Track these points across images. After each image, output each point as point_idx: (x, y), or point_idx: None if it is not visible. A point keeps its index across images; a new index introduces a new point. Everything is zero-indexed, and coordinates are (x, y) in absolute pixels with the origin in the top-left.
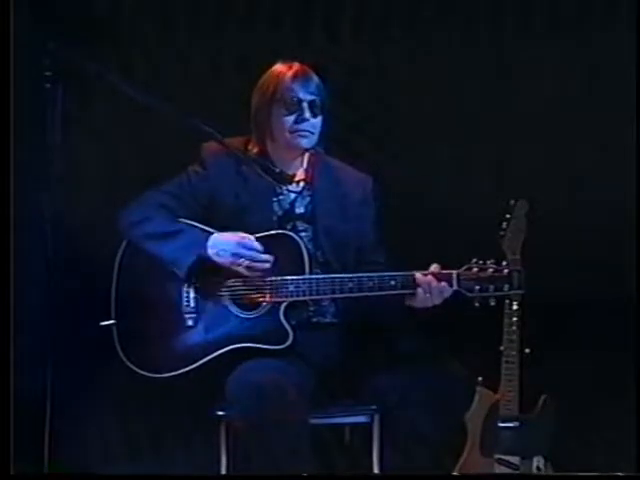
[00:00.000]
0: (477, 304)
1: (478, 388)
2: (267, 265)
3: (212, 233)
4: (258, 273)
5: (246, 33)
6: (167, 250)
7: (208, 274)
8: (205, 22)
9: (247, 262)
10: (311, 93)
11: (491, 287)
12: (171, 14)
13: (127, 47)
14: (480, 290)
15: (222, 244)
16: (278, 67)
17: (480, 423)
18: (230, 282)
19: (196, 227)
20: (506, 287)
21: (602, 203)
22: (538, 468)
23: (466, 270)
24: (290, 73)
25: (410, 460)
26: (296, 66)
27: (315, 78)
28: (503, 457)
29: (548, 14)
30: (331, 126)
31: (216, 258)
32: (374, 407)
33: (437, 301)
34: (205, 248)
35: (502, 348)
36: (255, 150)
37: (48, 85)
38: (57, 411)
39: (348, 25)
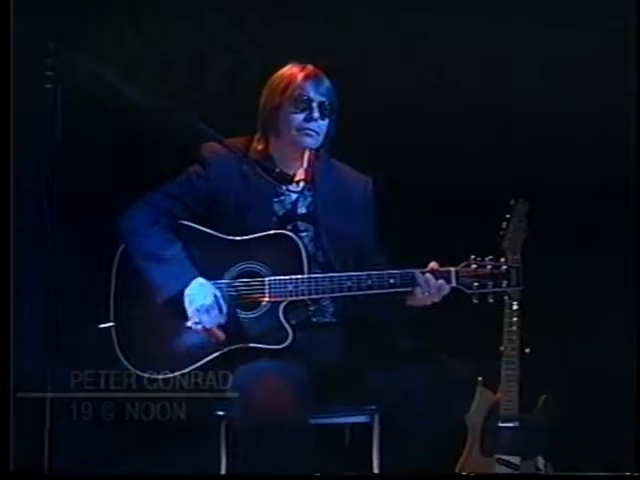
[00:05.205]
0: (475, 301)
1: (478, 388)
2: (214, 340)
3: (196, 274)
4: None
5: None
6: (153, 274)
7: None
8: (205, 22)
9: (200, 327)
10: (321, 94)
11: (490, 284)
12: (171, 14)
13: (126, 46)
14: (479, 287)
15: (197, 293)
16: (291, 67)
17: (480, 423)
18: (229, 282)
19: (187, 257)
20: (504, 283)
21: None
22: (538, 468)
23: (464, 267)
24: (303, 73)
25: (410, 460)
26: (309, 68)
27: (327, 81)
28: (503, 457)
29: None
30: (336, 130)
31: (185, 302)
32: (374, 407)
33: (436, 298)
34: (185, 286)
35: (502, 348)
36: (257, 148)
37: (48, 85)
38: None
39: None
